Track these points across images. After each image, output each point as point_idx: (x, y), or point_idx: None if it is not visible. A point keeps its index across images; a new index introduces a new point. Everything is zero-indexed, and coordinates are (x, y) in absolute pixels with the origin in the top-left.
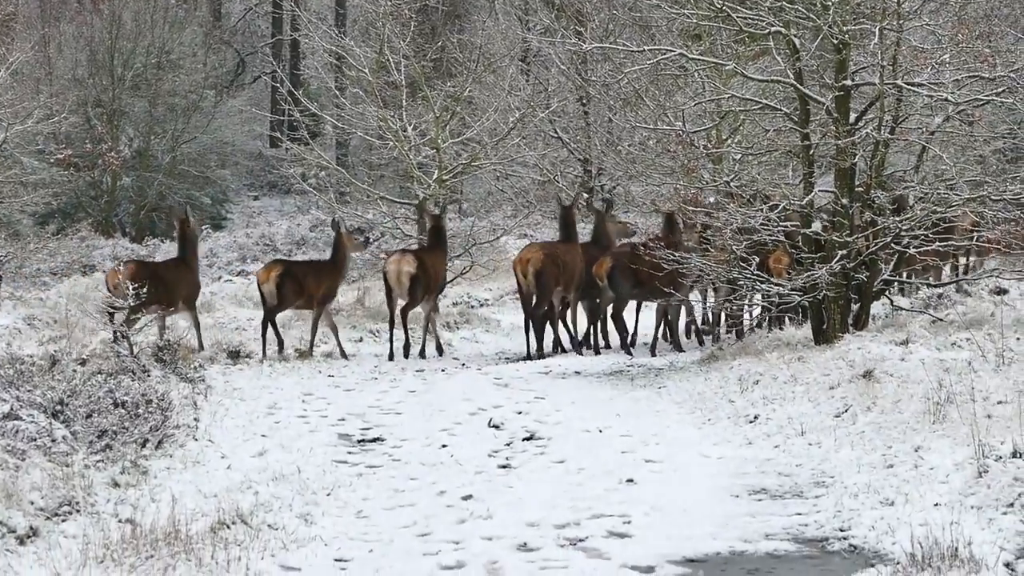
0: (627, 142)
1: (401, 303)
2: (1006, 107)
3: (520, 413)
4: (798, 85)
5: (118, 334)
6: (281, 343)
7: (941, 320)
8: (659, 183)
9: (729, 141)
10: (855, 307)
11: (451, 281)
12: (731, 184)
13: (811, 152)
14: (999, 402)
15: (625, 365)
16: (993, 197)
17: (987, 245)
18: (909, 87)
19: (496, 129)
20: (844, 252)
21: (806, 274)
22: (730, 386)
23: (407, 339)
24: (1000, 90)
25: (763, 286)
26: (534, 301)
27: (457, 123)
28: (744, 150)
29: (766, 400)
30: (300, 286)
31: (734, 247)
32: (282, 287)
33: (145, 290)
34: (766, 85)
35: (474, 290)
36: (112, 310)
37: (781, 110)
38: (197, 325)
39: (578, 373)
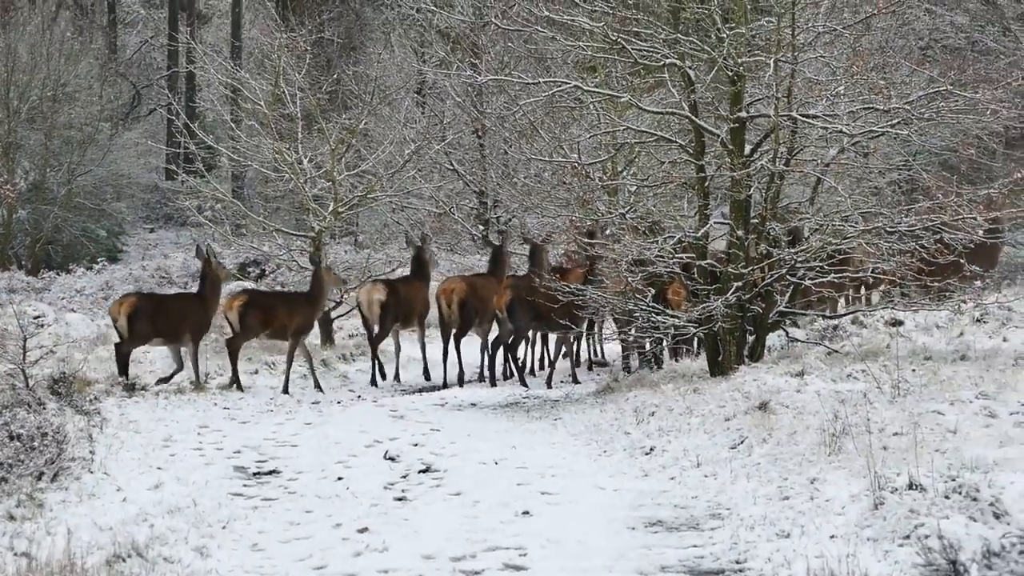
0: (523, 174)
1: (376, 330)
2: (901, 139)
3: (416, 445)
4: (693, 117)
5: (121, 367)
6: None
7: (836, 352)
8: (555, 215)
9: (624, 173)
10: (751, 339)
11: (345, 314)
12: (626, 216)
13: (706, 184)
14: (895, 434)
15: (521, 397)
16: (888, 229)
17: (882, 277)
18: (804, 119)
19: (392, 161)
20: (739, 284)
21: (701, 306)
22: (626, 418)
23: (378, 367)
24: (895, 122)
25: (659, 318)
26: (455, 330)
27: (353, 155)
28: (639, 182)
29: (662, 432)
30: (267, 317)
31: (629, 279)
32: (245, 317)
33: (147, 322)
34: (661, 117)
35: None
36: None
37: (676, 142)
38: (195, 361)
39: (474, 405)
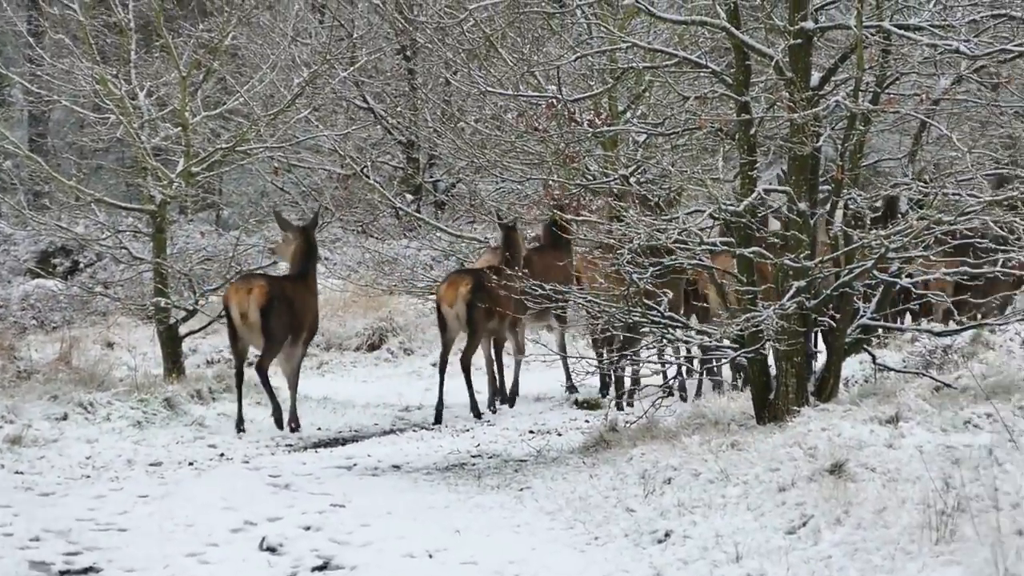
0: (473, 116)
1: (255, 351)
2: None
3: (308, 529)
4: (733, 29)
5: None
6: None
7: (949, 387)
8: (521, 178)
9: (628, 115)
10: (818, 367)
11: (201, 329)
12: (631, 180)
13: (753, 131)
14: None
15: (469, 455)
16: None
17: (1017, 271)
18: (901, 32)
19: (274, 96)
20: (802, 283)
21: (744, 316)
22: (628, 487)
23: (274, 402)
24: None
25: (678, 333)
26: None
27: (214, 87)
28: (651, 128)
29: (683, 508)
30: (493, 306)
31: (635, 275)
32: (473, 308)
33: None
34: (685, 29)
35: None
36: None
37: (707, 67)
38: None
39: (397, 468)
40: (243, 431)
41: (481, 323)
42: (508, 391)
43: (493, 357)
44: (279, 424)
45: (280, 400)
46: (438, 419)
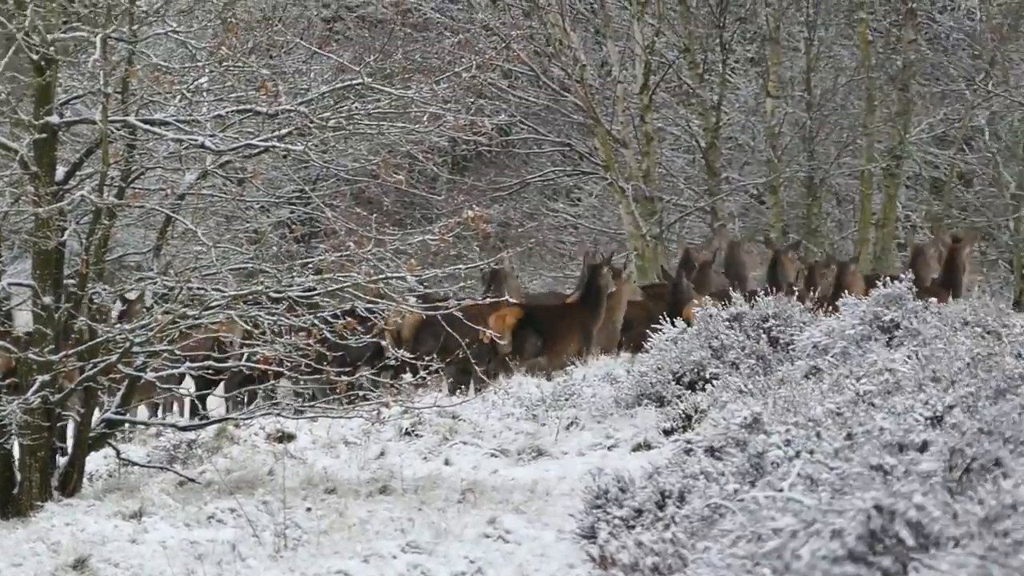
0: None
1: None
2: (294, 158)
3: None
4: None
5: None
6: None
7: (194, 481)
8: None
9: None
10: (63, 461)
11: None
12: None
13: None
14: None
15: None
16: (273, 294)
17: (262, 366)
18: (147, 127)
19: None
20: (47, 377)
21: None
22: None
23: None
24: (285, 132)
25: None
26: None
27: None
28: None
29: None
30: None
31: None
32: None
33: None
34: None
35: None
36: None
37: None
38: None
39: None
40: None
41: None
42: None
43: None
44: None
45: None
46: None
